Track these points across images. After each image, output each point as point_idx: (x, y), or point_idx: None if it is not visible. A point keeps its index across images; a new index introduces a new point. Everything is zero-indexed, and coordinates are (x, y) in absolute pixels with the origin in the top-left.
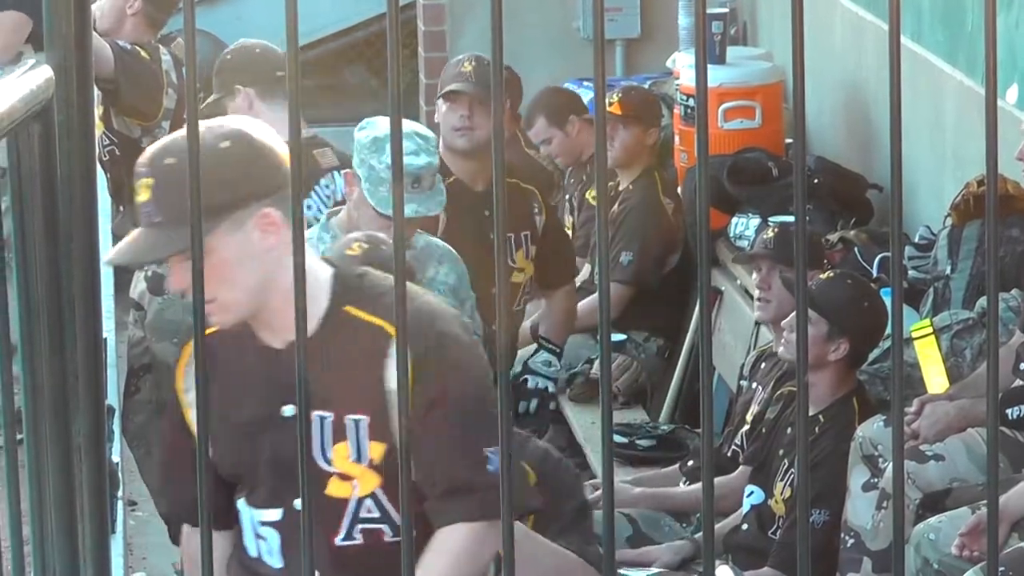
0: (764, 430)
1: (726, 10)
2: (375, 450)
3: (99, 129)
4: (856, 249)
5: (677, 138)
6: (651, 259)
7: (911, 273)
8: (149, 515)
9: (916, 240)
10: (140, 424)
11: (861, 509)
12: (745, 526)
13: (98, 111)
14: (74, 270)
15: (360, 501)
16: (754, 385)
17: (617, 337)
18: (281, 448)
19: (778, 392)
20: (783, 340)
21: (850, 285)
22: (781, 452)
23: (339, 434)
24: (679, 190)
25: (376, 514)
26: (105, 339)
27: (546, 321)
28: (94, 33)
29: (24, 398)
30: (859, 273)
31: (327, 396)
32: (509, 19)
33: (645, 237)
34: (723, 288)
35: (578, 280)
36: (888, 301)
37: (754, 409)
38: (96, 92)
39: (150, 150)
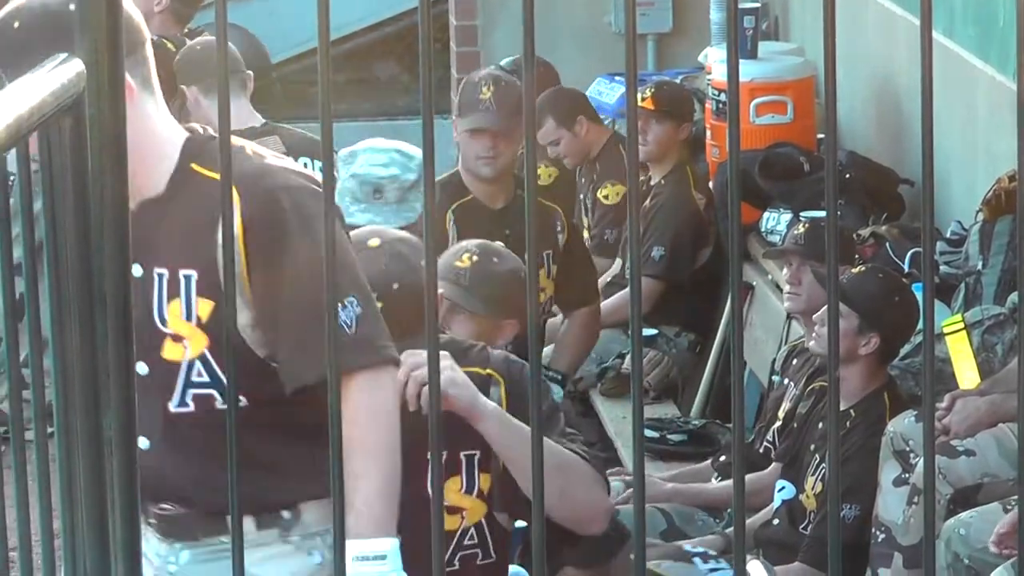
0: (796, 426)
1: (758, 5)
2: (202, 308)
3: None
4: (887, 244)
5: (709, 133)
6: (683, 254)
7: (942, 268)
8: None
9: (947, 235)
10: None
11: (892, 504)
12: (776, 521)
13: None
14: (105, 264)
15: (191, 364)
16: (786, 381)
17: (648, 332)
18: None
19: (809, 387)
20: (814, 334)
21: (881, 279)
22: (812, 447)
23: (172, 291)
24: (711, 185)
25: (206, 378)
26: None
27: (558, 347)
28: None
29: (55, 392)
30: (890, 268)
31: (167, 253)
32: (541, 14)
33: (677, 232)
34: (754, 283)
35: (609, 275)
36: (919, 296)
37: (786, 405)
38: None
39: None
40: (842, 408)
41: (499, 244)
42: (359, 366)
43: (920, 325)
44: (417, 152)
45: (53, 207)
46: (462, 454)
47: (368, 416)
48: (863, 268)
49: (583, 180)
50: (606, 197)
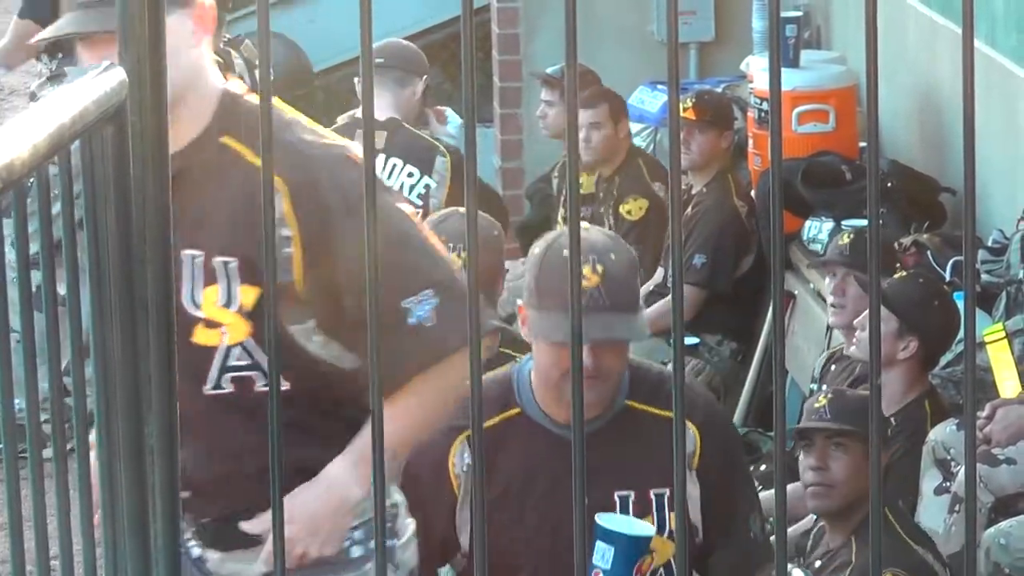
0: None
1: (800, 13)
2: (246, 295)
3: None
4: (929, 253)
5: (751, 141)
6: (724, 262)
7: (984, 277)
8: None
9: (989, 244)
10: None
11: (933, 513)
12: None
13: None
14: (147, 272)
15: (229, 349)
16: (824, 387)
17: (690, 340)
18: None
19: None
20: (854, 339)
21: (922, 284)
22: None
23: (209, 276)
24: (752, 193)
25: (247, 361)
26: None
27: None
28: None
29: (96, 400)
30: (932, 276)
31: (202, 235)
32: (583, 22)
33: (719, 240)
34: (796, 292)
35: (651, 283)
36: (961, 304)
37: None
38: None
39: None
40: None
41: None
42: (447, 351)
43: (961, 333)
44: None
45: (95, 215)
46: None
47: (435, 380)
48: (904, 274)
49: (601, 195)
50: (629, 212)
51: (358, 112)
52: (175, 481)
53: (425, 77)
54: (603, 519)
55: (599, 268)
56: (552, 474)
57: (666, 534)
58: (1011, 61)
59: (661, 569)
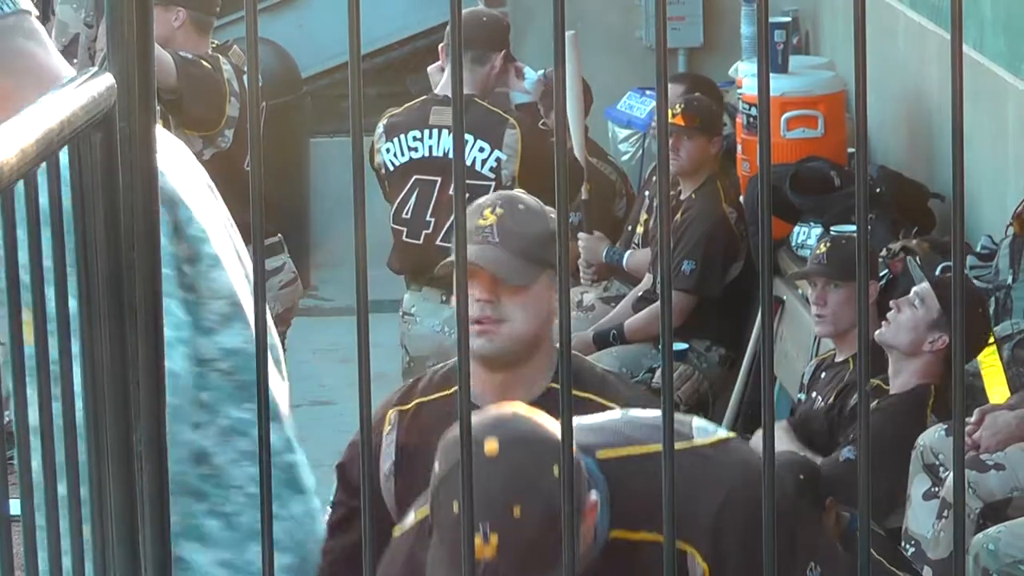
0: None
1: (789, 19)
2: None
3: None
4: (917, 258)
5: (740, 147)
6: (713, 268)
7: (973, 283)
8: None
9: (978, 249)
10: None
11: (922, 518)
12: None
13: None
14: (136, 279)
15: None
16: (813, 395)
17: (679, 346)
18: None
19: (852, 407)
20: (888, 317)
21: (973, 287)
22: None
23: None
24: (741, 199)
25: None
26: None
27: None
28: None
29: (84, 406)
30: (916, 283)
31: None
32: (572, 28)
33: (708, 246)
34: (785, 298)
35: (640, 289)
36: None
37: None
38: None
39: None
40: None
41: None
42: None
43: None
44: None
45: (84, 221)
46: None
47: None
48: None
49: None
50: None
51: (437, 89)
52: (164, 488)
53: (505, 51)
54: None
55: (492, 538)
56: None
57: None
58: (999, 66)
59: None
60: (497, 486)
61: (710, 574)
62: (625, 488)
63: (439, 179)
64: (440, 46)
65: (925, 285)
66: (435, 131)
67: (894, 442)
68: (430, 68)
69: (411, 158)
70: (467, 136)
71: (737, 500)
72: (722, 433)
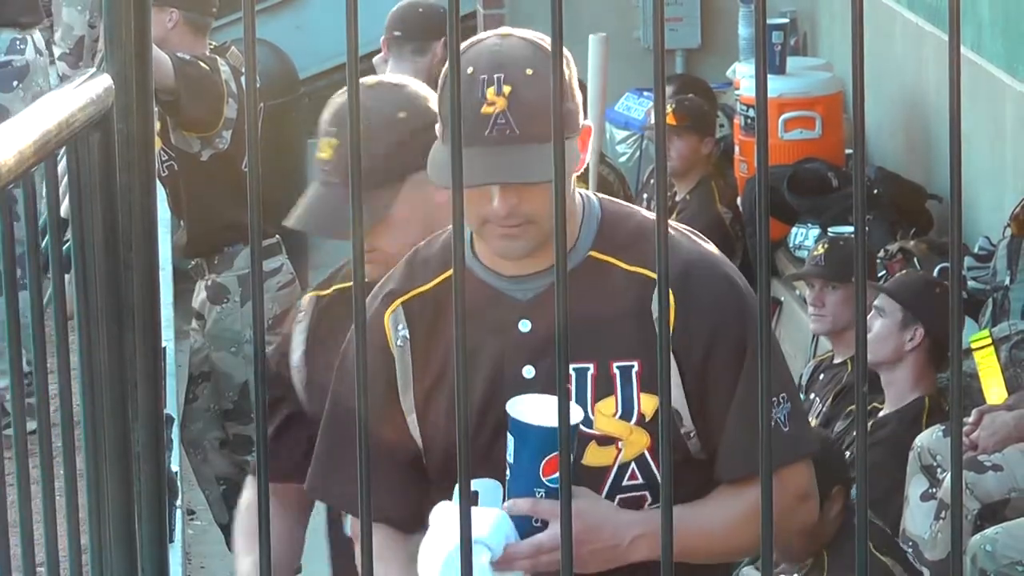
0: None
1: (786, 20)
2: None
3: (157, 145)
4: (915, 259)
5: (737, 148)
6: None
7: (970, 284)
8: (207, 524)
9: (975, 250)
10: (197, 431)
11: (919, 519)
12: None
13: (156, 127)
14: (133, 279)
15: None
16: (811, 396)
17: None
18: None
19: (848, 409)
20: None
21: (921, 275)
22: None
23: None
24: (739, 200)
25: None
26: (164, 348)
27: None
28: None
29: (83, 407)
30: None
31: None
32: (570, 29)
33: None
34: (782, 299)
35: None
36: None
37: (812, 421)
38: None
39: (334, 108)
40: (883, 413)
41: None
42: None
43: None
44: None
45: (81, 222)
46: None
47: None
48: (905, 271)
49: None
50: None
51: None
52: (161, 488)
53: (444, 39)
54: (514, 405)
55: (505, 89)
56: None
57: (634, 420)
58: (997, 68)
59: (633, 464)
60: (514, 49)
61: (675, 309)
62: (616, 222)
63: None
64: (382, 39)
65: (878, 296)
66: None
67: (895, 482)
68: (375, 59)
69: None
70: None
71: (710, 262)
72: None
